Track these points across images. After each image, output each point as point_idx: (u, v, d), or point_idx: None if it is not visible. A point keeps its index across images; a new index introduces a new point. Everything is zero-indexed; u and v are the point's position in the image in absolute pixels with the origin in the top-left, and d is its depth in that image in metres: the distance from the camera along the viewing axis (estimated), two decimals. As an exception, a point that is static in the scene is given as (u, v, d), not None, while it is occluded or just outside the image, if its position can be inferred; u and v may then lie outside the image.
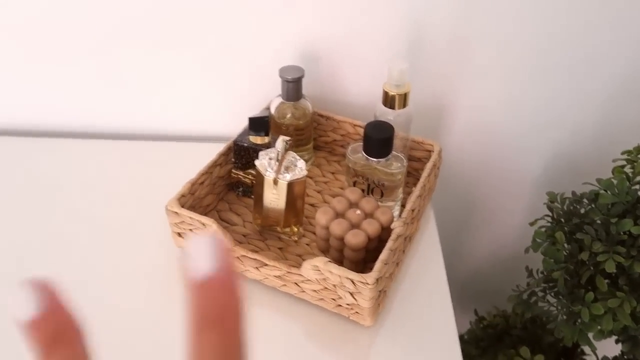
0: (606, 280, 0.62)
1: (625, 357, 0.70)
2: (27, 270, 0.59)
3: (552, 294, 0.71)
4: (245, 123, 0.65)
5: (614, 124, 0.78)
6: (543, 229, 0.69)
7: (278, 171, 0.57)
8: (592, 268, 0.62)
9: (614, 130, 0.78)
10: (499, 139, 0.79)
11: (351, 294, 0.51)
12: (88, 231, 0.64)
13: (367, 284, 0.49)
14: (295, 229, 0.62)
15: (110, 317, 0.55)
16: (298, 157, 0.58)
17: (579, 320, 0.64)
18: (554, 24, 0.68)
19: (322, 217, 0.57)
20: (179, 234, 0.59)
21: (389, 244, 0.53)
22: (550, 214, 0.71)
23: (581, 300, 0.62)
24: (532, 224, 0.73)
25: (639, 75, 0.73)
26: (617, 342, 0.66)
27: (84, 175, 0.72)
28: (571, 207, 0.69)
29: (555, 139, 0.80)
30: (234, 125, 0.72)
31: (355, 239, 0.54)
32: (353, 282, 0.50)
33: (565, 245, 0.66)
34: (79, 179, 0.71)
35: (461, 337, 0.86)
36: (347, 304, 0.53)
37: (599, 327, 0.61)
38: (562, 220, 0.69)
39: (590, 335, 0.64)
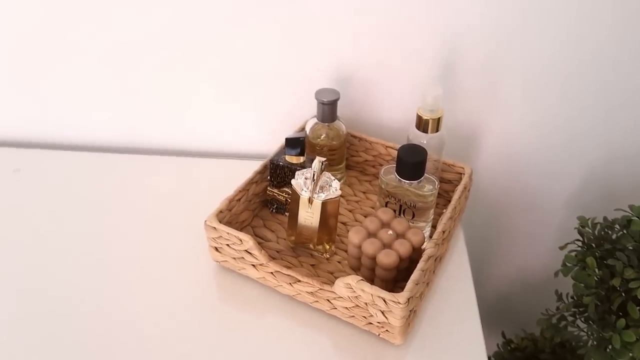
0: (638, 308, 0.61)
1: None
2: (66, 283, 0.62)
3: (582, 319, 0.71)
4: (281, 142, 0.67)
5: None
6: (574, 254, 0.69)
7: (313, 190, 0.59)
8: (623, 294, 0.62)
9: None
10: (529, 162, 0.80)
11: (382, 312, 0.53)
12: (129, 245, 0.67)
13: (399, 303, 0.51)
14: (328, 247, 0.63)
15: (149, 329, 0.57)
16: (333, 178, 0.60)
17: (610, 347, 0.64)
18: (583, 49, 0.68)
19: (354, 236, 0.58)
20: (216, 249, 0.61)
21: (420, 265, 0.54)
22: (581, 238, 0.71)
23: (612, 327, 0.62)
24: (562, 247, 0.73)
25: None
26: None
27: (127, 189, 0.75)
28: (602, 233, 0.69)
29: (587, 164, 0.80)
30: (271, 144, 0.75)
31: (387, 258, 0.56)
32: (385, 301, 0.51)
33: (596, 270, 0.66)
34: (123, 192, 0.74)
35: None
36: (378, 322, 0.54)
37: (630, 354, 0.61)
38: (593, 245, 0.69)
39: (621, 362, 0.64)
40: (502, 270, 0.94)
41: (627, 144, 0.78)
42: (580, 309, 0.71)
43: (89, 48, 0.73)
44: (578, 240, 0.71)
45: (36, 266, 0.63)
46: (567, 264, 0.69)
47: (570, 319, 0.73)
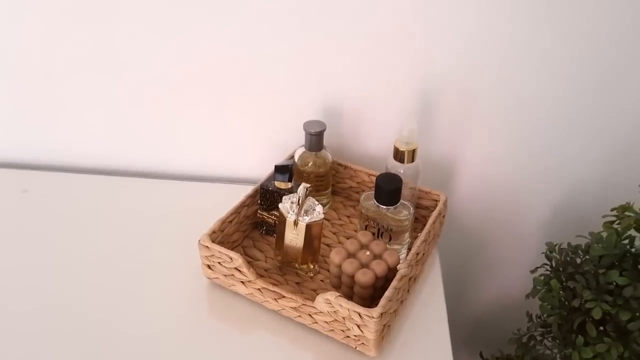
0: (600, 328, 0.67)
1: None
2: (67, 295, 0.67)
3: (550, 338, 0.76)
4: (271, 169, 0.73)
5: (613, 181, 0.84)
6: (542, 277, 0.75)
7: (298, 214, 0.64)
8: (583, 315, 0.67)
9: (614, 186, 0.84)
10: (503, 191, 0.86)
11: (358, 326, 0.58)
12: (126, 261, 0.72)
13: (373, 317, 0.56)
14: (312, 266, 0.69)
15: (144, 338, 0.62)
16: (317, 202, 0.65)
17: (572, 364, 0.69)
18: (556, 87, 0.75)
19: (335, 256, 0.64)
20: (209, 266, 0.67)
21: (394, 283, 0.60)
22: (549, 262, 0.77)
23: (573, 344, 0.67)
24: (532, 271, 0.78)
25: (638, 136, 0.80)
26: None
27: (125, 209, 0.80)
28: (568, 258, 0.75)
29: (559, 192, 0.86)
30: (261, 170, 0.81)
31: (364, 277, 0.61)
32: (360, 315, 0.57)
33: (560, 292, 0.71)
34: (121, 212, 0.80)
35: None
36: (355, 335, 0.59)
37: (588, 368, 0.65)
38: (560, 269, 0.75)
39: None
40: (481, 293, 0.99)
41: (595, 177, 0.84)
42: (547, 329, 0.76)
43: (88, 75, 0.80)
44: (546, 264, 0.77)
45: (38, 280, 0.68)
46: (536, 287, 0.74)
47: (538, 338, 0.78)
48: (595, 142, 0.80)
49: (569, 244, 0.75)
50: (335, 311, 0.58)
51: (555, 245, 0.76)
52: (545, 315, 0.73)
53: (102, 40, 0.77)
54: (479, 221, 0.89)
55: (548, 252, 0.76)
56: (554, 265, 0.76)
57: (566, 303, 0.70)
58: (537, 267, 0.78)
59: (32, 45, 0.78)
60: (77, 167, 0.89)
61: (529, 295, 0.76)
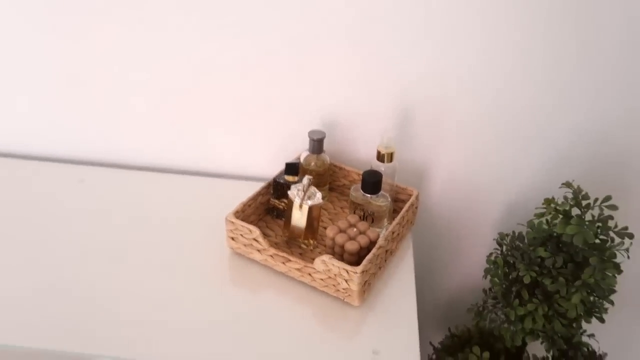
0: (533, 293, 0.86)
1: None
2: (107, 273, 0.87)
3: (499, 307, 0.95)
4: (280, 168, 0.94)
5: (555, 181, 1.04)
6: (492, 258, 0.95)
7: (303, 198, 0.85)
8: (519, 283, 0.87)
9: (554, 187, 1.04)
10: (467, 190, 1.06)
11: (346, 280, 0.77)
12: (164, 238, 0.92)
13: (356, 272, 0.76)
14: (312, 242, 0.89)
15: (182, 296, 0.82)
16: (317, 191, 0.86)
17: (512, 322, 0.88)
18: (518, 98, 0.96)
19: (330, 231, 0.84)
20: (232, 238, 0.87)
21: (373, 250, 0.80)
22: (499, 248, 0.97)
23: (511, 306, 0.86)
24: (488, 256, 0.98)
25: (580, 141, 0.99)
26: (541, 343, 0.90)
27: (160, 201, 1.01)
28: (513, 244, 0.95)
29: (513, 192, 1.06)
30: (272, 169, 1.01)
31: (351, 246, 0.81)
32: (347, 272, 0.76)
33: (506, 269, 0.91)
34: (158, 200, 1.00)
35: (435, 347, 1.10)
36: (343, 289, 0.79)
37: (521, 326, 0.85)
38: (509, 253, 0.95)
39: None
40: (447, 275, 1.19)
41: (540, 181, 1.04)
42: (497, 300, 0.95)
43: (129, 84, 1.01)
44: (496, 249, 0.97)
45: (82, 255, 0.88)
46: (489, 266, 0.94)
47: (490, 308, 0.98)
48: (543, 153, 1.01)
49: (513, 232, 0.95)
50: (329, 269, 0.78)
51: (506, 234, 0.96)
52: (495, 288, 0.93)
53: (150, 54, 0.98)
54: (447, 214, 1.09)
55: (499, 240, 0.97)
56: (503, 250, 0.96)
57: (508, 276, 0.90)
58: (491, 253, 0.98)
59: (85, 55, 0.99)
60: (121, 164, 1.10)
61: (485, 275, 0.96)
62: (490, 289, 0.97)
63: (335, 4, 0.89)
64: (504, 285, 0.91)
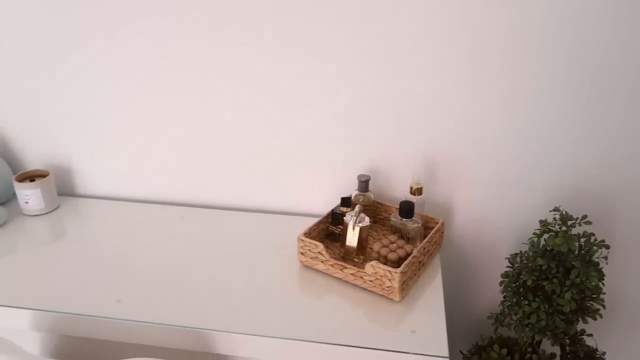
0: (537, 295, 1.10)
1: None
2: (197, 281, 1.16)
3: (513, 312, 1.19)
4: (338, 201, 1.23)
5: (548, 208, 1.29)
6: (505, 272, 1.19)
7: (355, 222, 1.13)
8: (525, 288, 1.11)
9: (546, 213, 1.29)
10: (484, 220, 1.33)
11: (389, 280, 1.04)
12: (249, 258, 1.21)
13: (397, 272, 1.02)
14: (362, 257, 1.16)
15: (261, 302, 1.10)
16: (366, 216, 1.14)
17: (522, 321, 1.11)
18: (522, 152, 1.24)
19: (376, 246, 1.12)
20: (302, 253, 1.15)
21: (410, 258, 1.07)
22: (511, 265, 1.21)
23: (519, 306, 1.10)
24: (502, 275, 1.23)
25: (581, 174, 1.26)
26: (547, 339, 1.12)
27: (243, 232, 1.31)
28: (523, 261, 1.20)
29: (522, 223, 1.32)
30: (327, 207, 1.31)
31: (392, 256, 1.08)
32: (390, 273, 1.03)
33: (515, 281, 1.15)
34: (239, 234, 1.30)
35: (464, 354, 1.31)
36: (387, 287, 1.05)
37: (528, 321, 1.08)
38: (518, 268, 1.19)
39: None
40: (474, 294, 1.42)
41: (547, 205, 1.30)
42: (510, 306, 1.19)
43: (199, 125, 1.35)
44: (509, 267, 1.21)
45: (185, 272, 1.18)
46: (502, 279, 1.19)
47: (506, 312, 1.21)
48: (542, 187, 1.27)
49: (520, 251, 1.20)
50: (376, 272, 1.05)
51: (516, 254, 1.21)
52: (507, 295, 1.17)
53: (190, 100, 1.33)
54: (469, 241, 1.35)
55: (511, 259, 1.22)
56: (514, 267, 1.21)
57: (518, 284, 1.14)
58: (505, 270, 1.23)
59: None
60: (209, 204, 1.42)
61: (502, 288, 1.20)
62: (504, 297, 1.21)
63: (380, 89, 1.22)
64: (513, 290, 1.15)
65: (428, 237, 1.15)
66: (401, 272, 1.03)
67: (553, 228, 1.09)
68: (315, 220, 1.21)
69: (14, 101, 1.39)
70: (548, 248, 1.10)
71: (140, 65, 1.29)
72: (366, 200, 1.25)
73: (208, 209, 1.40)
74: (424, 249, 1.13)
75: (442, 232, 1.23)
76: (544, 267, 1.07)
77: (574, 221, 1.08)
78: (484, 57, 1.15)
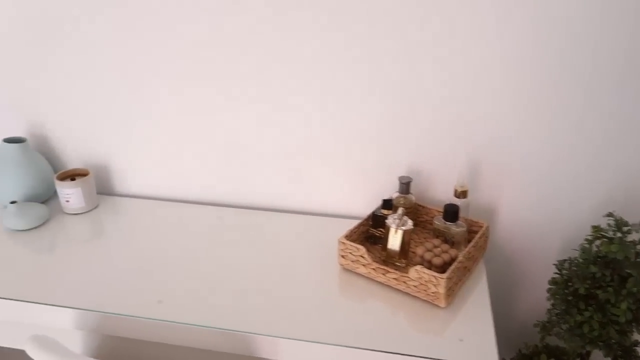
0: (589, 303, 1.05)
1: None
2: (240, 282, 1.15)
3: (562, 321, 1.14)
4: (379, 203, 1.20)
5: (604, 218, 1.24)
6: (554, 279, 1.15)
7: (398, 225, 1.10)
8: (576, 297, 1.07)
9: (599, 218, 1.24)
10: (529, 225, 1.28)
11: (434, 285, 1.01)
12: (291, 259, 1.19)
13: (443, 278, 0.99)
14: (404, 261, 1.13)
15: (304, 304, 1.08)
16: (409, 219, 1.11)
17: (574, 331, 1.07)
18: (563, 159, 1.20)
19: (419, 250, 1.09)
20: (342, 256, 1.13)
21: (455, 263, 1.03)
22: (559, 272, 1.17)
23: (571, 314, 1.05)
24: (550, 281, 1.18)
25: (629, 184, 1.21)
26: (599, 350, 1.07)
27: (283, 232, 1.30)
28: (571, 266, 1.15)
29: (572, 229, 1.27)
30: (369, 207, 1.28)
31: (437, 260, 1.05)
32: (436, 278, 1.00)
33: (565, 289, 1.11)
34: (278, 236, 1.29)
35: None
36: (432, 292, 1.02)
37: (580, 331, 1.03)
38: (567, 276, 1.15)
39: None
40: (520, 300, 1.37)
41: (590, 220, 1.25)
42: (559, 314, 1.14)
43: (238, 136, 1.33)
44: (557, 273, 1.17)
45: (221, 273, 1.17)
46: (549, 286, 1.15)
47: (555, 321, 1.16)
48: (592, 198, 1.22)
49: (569, 257, 1.15)
50: (420, 277, 1.02)
51: (564, 260, 1.17)
52: (556, 302, 1.12)
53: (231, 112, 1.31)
54: (514, 245, 1.31)
55: (559, 265, 1.17)
56: (562, 272, 1.16)
57: (567, 292, 1.10)
58: (553, 277, 1.18)
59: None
60: (248, 205, 1.41)
61: (550, 295, 1.16)
62: (552, 305, 1.17)
63: (421, 93, 1.19)
64: (561, 298, 1.10)
65: (473, 241, 1.11)
66: (447, 278, 1.00)
67: (607, 234, 1.04)
68: (355, 223, 1.19)
69: (54, 101, 1.40)
70: (600, 255, 1.05)
71: (182, 64, 1.28)
72: (407, 202, 1.22)
73: (246, 209, 1.39)
74: (469, 253, 1.09)
75: (487, 237, 1.19)
76: (597, 275, 1.02)
77: (629, 227, 1.03)
78: (529, 63, 1.11)
